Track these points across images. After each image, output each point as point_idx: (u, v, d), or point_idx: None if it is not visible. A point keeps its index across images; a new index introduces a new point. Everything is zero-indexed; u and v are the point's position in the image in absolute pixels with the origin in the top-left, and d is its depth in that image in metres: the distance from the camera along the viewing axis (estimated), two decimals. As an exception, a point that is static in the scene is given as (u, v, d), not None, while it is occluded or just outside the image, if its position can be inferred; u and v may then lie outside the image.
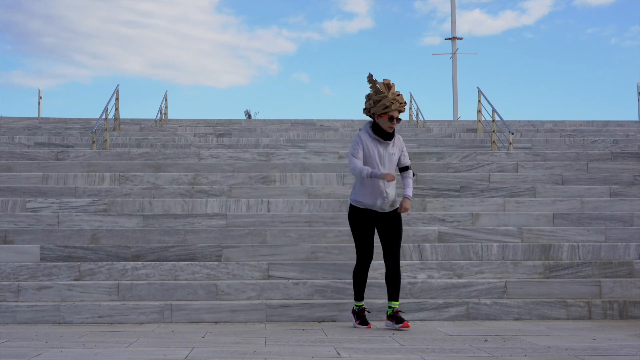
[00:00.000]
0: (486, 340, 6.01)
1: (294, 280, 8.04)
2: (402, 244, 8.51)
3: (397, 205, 6.91)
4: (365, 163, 6.82)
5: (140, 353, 5.38)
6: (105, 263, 8.32)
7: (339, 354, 5.35)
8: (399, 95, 6.82)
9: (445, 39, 32.06)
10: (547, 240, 9.26)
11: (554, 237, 9.30)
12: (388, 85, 6.84)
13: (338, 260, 8.61)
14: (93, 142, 13.00)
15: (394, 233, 6.84)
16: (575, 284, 8.11)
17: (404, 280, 7.97)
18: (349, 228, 9.17)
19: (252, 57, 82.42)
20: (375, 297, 7.83)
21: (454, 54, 31.22)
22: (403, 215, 8.98)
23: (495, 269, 8.41)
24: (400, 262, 7.46)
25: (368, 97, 6.93)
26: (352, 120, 18.48)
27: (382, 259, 7.07)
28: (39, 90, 23.73)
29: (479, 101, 16.24)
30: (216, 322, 7.46)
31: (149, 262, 8.40)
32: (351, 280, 7.99)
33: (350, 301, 7.63)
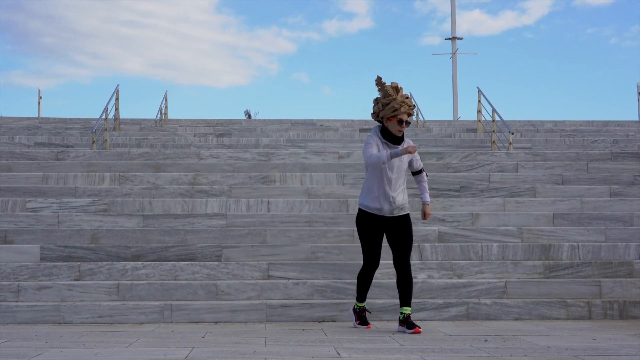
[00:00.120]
0: (486, 340, 6.01)
1: (294, 280, 8.04)
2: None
3: (407, 210, 6.79)
4: (373, 168, 6.68)
5: (140, 353, 5.38)
6: (105, 263, 8.32)
7: (339, 354, 5.35)
8: (407, 98, 6.71)
9: (445, 39, 32.05)
10: (547, 240, 9.26)
11: (554, 237, 9.30)
12: (396, 88, 6.74)
13: (338, 260, 8.61)
14: (93, 142, 13.00)
15: (404, 238, 6.69)
16: (575, 284, 8.11)
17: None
18: (349, 228, 9.18)
19: (252, 57, 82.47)
20: (375, 297, 7.83)
21: (454, 54, 31.21)
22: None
23: (495, 269, 8.41)
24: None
25: (376, 100, 6.82)
26: (352, 120, 18.48)
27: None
28: (39, 90, 23.73)
29: (479, 101, 16.24)
30: (216, 322, 7.46)
31: (149, 262, 8.40)
32: (351, 280, 8.00)
33: (350, 301, 7.63)
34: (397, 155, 6.49)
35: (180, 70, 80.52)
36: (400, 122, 6.65)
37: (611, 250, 8.82)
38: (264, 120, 19.20)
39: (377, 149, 6.68)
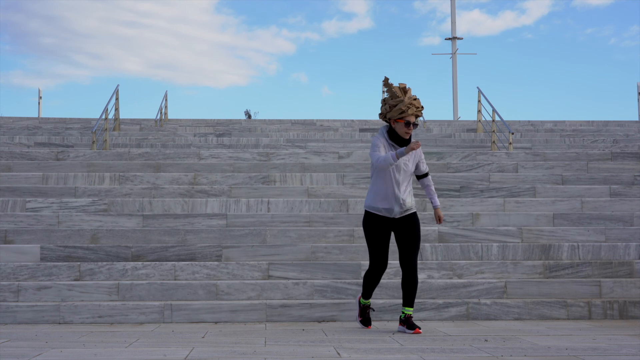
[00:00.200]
0: (486, 340, 6.01)
1: (294, 280, 8.04)
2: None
3: (414, 209, 6.72)
4: (379, 170, 6.60)
5: (140, 353, 5.38)
6: (105, 263, 8.32)
7: (339, 354, 5.35)
8: (415, 99, 6.61)
9: (445, 39, 32.05)
10: (547, 240, 9.27)
11: (554, 237, 9.30)
12: (404, 90, 6.62)
13: (338, 260, 8.61)
14: (93, 142, 13.01)
15: (411, 238, 6.62)
16: (575, 284, 8.11)
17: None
18: (349, 228, 9.18)
19: (252, 57, 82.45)
20: (375, 297, 7.83)
21: (454, 54, 31.21)
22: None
23: (495, 269, 8.41)
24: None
25: (384, 101, 6.72)
26: (352, 120, 18.48)
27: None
28: (39, 90, 23.72)
29: (479, 101, 16.24)
30: (216, 322, 7.46)
31: (149, 262, 8.40)
32: (351, 280, 8.00)
33: (350, 301, 7.64)
34: (403, 154, 6.37)
35: (180, 71, 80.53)
36: (408, 124, 6.55)
37: (611, 250, 8.82)
38: (264, 120, 19.20)
39: (384, 150, 6.59)
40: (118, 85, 16.21)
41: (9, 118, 18.77)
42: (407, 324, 6.56)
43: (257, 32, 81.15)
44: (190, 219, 9.55)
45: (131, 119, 18.31)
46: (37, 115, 22.58)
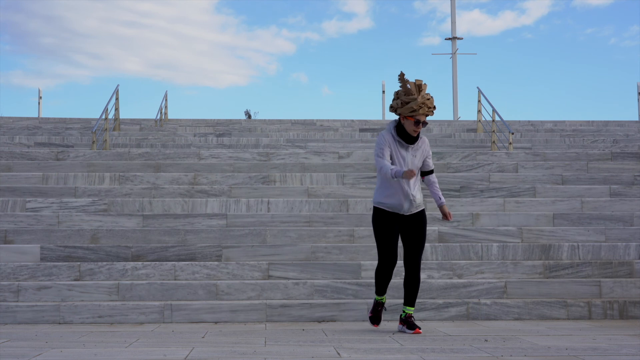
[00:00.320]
0: (486, 340, 6.01)
1: (294, 280, 8.04)
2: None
3: (422, 206, 6.66)
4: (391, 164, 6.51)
5: (140, 353, 5.38)
6: (105, 263, 8.32)
7: (339, 354, 5.35)
8: (429, 99, 6.46)
9: (445, 39, 32.02)
10: (547, 240, 9.27)
11: (554, 237, 9.30)
12: (419, 87, 6.47)
13: (338, 260, 8.61)
14: (93, 142, 13.01)
15: (418, 236, 6.57)
16: (575, 284, 8.11)
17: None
18: (349, 228, 9.18)
19: (252, 57, 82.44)
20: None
21: (454, 54, 31.21)
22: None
23: (495, 269, 8.41)
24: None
25: (397, 95, 6.57)
26: (352, 120, 18.48)
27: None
28: (39, 90, 23.71)
29: (479, 101, 16.24)
30: (216, 322, 7.46)
31: (149, 262, 8.40)
32: (351, 280, 8.00)
33: (350, 301, 7.64)
34: (400, 176, 6.30)
35: (180, 71, 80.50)
36: (417, 122, 6.45)
37: (611, 250, 8.82)
38: (264, 120, 19.20)
39: (388, 151, 6.50)
40: (118, 85, 16.21)
41: (9, 118, 18.77)
42: (407, 323, 6.55)
43: (257, 32, 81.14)
44: (190, 219, 9.55)
45: (131, 119, 18.31)
46: (37, 115, 22.57)
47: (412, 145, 6.56)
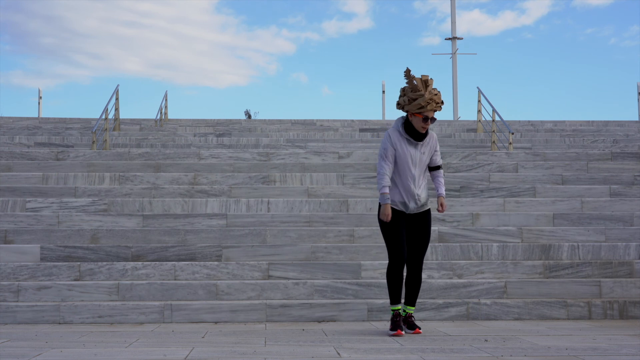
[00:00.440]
0: (486, 340, 6.01)
1: (294, 280, 8.04)
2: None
3: (428, 205, 6.60)
4: (396, 164, 6.45)
5: (140, 353, 5.38)
6: (105, 263, 8.32)
7: (339, 354, 5.35)
8: (436, 94, 6.36)
9: (445, 39, 32.03)
10: (547, 240, 9.27)
11: (554, 237, 9.30)
12: (426, 82, 6.37)
13: (338, 260, 8.61)
14: (93, 142, 13.01)
15: (422, 236, 6.52)
16: (575, 284, 8.11)
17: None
18: (349, 228, 9.18)
19: (252, 57, 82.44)
20: (375, 297, 7.83)
21: (454, 54, 31.21)
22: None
23: (495, 269, 8.41)
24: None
25: (403, 91, 6.48)
26: (352, 120, 18.48)
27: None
28: (39, 90, 23.71)
29: (479, 101, 16.24)
30: (216, 322, 7.46)
31: (149, 262, 8.40)
32: (351, 280, 7.99)
33: (350, 301, 7.63)
34: (385, 202, 6.33)
35: (180, 71, 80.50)
36: (426, 119, 6.36)
37: (611, 250, 8.82)
38: (264, 120, 19.20)
39: (394, 152, 6.43)
40: (118, 85, 16.21)
41: (9, 118, 18.77)
42: (408, 323, 6.54)
43: (257, 32, 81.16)
44: (190, 219, 9.55)
45: (131, 119, 18.31)
46: (37, 115, 22.57)
47: (421, 142, 6.47)
